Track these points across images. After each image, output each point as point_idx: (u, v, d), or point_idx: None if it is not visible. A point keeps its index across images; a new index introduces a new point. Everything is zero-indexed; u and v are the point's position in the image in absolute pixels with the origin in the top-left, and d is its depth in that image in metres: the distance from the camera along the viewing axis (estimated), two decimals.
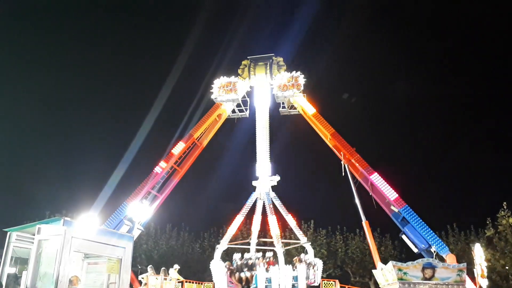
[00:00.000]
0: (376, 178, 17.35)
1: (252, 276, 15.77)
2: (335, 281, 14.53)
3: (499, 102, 53.42)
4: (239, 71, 21.04)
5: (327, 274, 30.33)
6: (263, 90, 20.38)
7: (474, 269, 14.24)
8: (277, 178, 19.62)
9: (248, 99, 21.07)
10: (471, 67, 56.76)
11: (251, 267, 16.20)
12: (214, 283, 17.37)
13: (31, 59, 53.92)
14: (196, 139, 20.33)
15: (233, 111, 21.24)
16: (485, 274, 14.38)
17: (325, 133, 19.36)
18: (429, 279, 12.19)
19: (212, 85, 20.77)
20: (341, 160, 18.64)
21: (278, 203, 19.34)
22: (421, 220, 16.26)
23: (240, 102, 20.80)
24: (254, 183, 19.84)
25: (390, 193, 16.97)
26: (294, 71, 20.27)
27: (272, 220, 18.28)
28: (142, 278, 16.27)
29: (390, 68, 60.04)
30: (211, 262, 17.28)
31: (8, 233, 10.73)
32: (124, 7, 62.16)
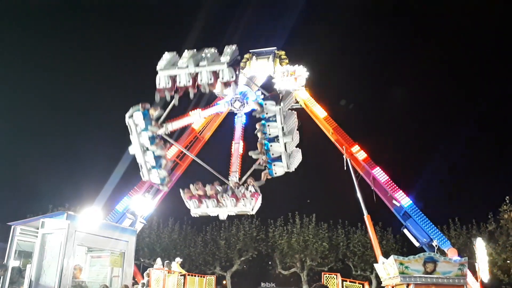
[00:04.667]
0: (378, 172, 17.37)
1: None
2: (336, 275, 14.53)
3: (501, 96, 53.21)
4: (241, 65, 20.92)
5: (329, 268, 30.46)
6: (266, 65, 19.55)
7: (476, 263, 14.27)
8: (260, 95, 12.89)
9: None
10: (472, 64, 56.53)
11: None
12: (216, 276, 17.37)
13: (37, 56, 53.89)
14: (198, 132, 20.33)
15: None
16: (487, 268, 14.40)
17: (327, 127, 19.34)
18: (431, 273, 12.22)
19: None
20: (343, 154, 18.63)
21: None
22: (422, 214, 16.28)
23: None
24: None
25: (392, 187, 16.99)
26: (297, 65, 20.19)
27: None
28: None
29: (393, 60, 59.83)
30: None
31: (12, 227, 10.80)
32: (126, 3, 61.98)
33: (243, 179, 11.20)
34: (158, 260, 18.78)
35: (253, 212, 11.12)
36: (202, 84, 10.26)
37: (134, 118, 10.55)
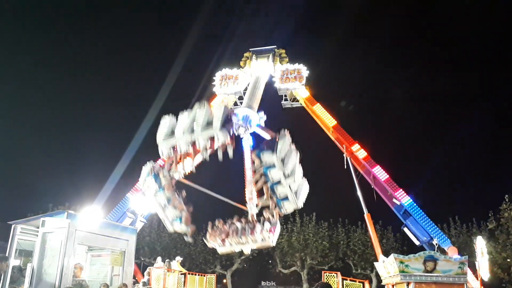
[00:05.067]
0: (378, 171, 17.37)
1: None
2: (337, 273, 14.55)
3: (501, 95, 53.19)
4: (241, 63, 20.90)
5: (329, 266, 30.47)
6: (264, 67, 19.15)
7: (476, 262, 14.28)
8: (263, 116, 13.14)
9: None
10: (472, 62, 56.49)
11: None
12: (216, 275, 17.40)
13: (37, 54, 53.87)
14: None
15: (235, 104, 21.16)
16: (487, 266, 14.41)
17: (327, 125, 19.33)
18: (431, 271, 12.24)
19: (214, 78, 20.70)
20: (343, 153, 18.63)
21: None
22: (423, 213, 16.30)
23: (242, 94, 20.71)
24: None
25: (392, 186, 17.00)
26: (297, 63, 20.17)
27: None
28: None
29: (392, 60, 59.77)
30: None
31: (13, 226, 10.79)
32: (126, 1, 61.94)
33: (259, 206, 11.65)
34: (159, 259, 18.83)
35: (274, 244, 11.89)
36: (201, 150, 10.64)
37: (148, 183, 11.01)
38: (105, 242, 11.41)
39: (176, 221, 11.36)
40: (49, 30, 55.86)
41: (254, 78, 17.12)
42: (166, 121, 10.86)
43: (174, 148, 10.69)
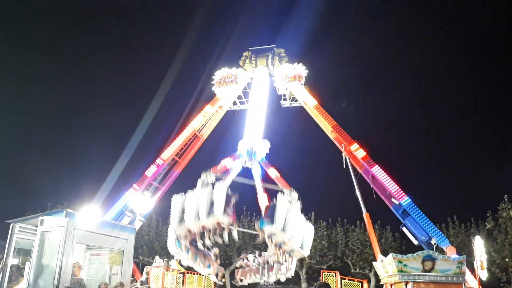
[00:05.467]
0: (377, 171, 17.37)
1: None
2: (335, 273, 14.62)
3: (500, 93, 53.27)
4: (240, 63, 20.91)
5: (328, 266, 30.48)
6: (263, 80, 19.80)
7: (474, 261, 14.31)
8: (267, 144, 14.85)
9: (249, 91, 20.98)
10: (472, 58, 56.58)
11: None
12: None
13: (36, 54, 53.77)
14: (197, 131, 20.33)
15: (234, 103, 21.19)
16: (485, 266, 14.44)
17: (326, 125, 19.33)
18: (429, 271, 12.27)
19: (213, 77, 20.70)
20: (342, 153, 18.63)
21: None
22: (421, 213, 16.31)
23: (241, 93, 20.74)
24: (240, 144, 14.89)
25: (391, 186, 17.00)
26: (296, 63, 20.16)
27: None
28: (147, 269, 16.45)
29: (390, 58, 59.82)
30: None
31: (11, 225, 10.78)
32: (125, 4, 61.85)
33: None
34: (157, 258, 18.84)
35: (293, 274, 13.64)
36: (210, 232, 11.83)
37: (176, 250, 12.55)
38: (104, 241, 11.41)
39: (207, 268, 13.04)
40: (49, 26, 55.73)
41: (253, 106, 17.43)
42: (177, 202, 12.12)
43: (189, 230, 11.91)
